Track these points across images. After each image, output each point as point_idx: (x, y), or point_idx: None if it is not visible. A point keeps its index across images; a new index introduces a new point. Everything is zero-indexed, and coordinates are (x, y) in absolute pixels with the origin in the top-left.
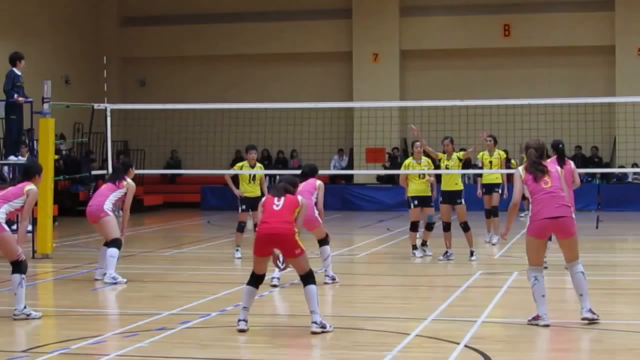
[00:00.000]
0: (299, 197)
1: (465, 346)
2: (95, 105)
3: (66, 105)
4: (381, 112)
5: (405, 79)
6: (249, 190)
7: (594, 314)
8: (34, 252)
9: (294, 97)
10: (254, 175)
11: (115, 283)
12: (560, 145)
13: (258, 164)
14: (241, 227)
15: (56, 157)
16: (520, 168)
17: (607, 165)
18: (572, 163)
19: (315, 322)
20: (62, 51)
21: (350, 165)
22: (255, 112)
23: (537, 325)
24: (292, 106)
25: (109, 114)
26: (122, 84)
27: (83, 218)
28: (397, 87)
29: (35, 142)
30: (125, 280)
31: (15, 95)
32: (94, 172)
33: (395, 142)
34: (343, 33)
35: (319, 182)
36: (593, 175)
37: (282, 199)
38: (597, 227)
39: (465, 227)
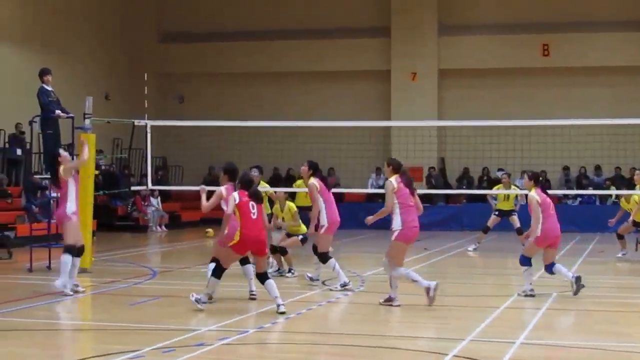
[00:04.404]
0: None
1: None
2: (136, 122)
3: (107, 121)
4: (419, 131)
5: (443, 98)
6: None
7: None
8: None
9: (331, 115)
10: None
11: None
12: (541, 178)
13: (262, 183)
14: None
15: (96, 172)
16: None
17: None
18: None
19: (281, 305)
20: (103, 67)
21: None
22: (293, 129)
23: (390, 305)
24: (330, 124)
25: (149, 130)
26: (161, 100)
27: (121, 233)
28: (435, 106)
29: (75, 157)
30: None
31: (57, 111)
32: (133, 188)
33: (433, 162)
34: (381, 51)
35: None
36: None
37: (256, 207)
38: (636, 250)
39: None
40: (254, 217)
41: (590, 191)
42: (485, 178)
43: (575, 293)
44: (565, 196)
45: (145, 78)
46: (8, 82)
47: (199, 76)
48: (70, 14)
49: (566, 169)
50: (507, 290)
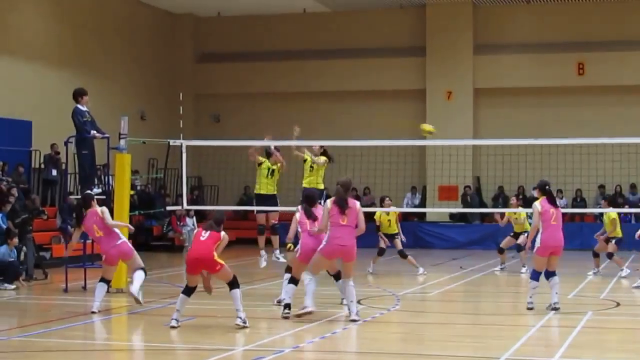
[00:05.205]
0: (222, 233)
1: None
2: (171, 142)
3: (142, 141)
4: (455, 149)
5: (478, 117)
6: (264, 186)
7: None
8: (108, 286)
9: (367, 134)
10: (273, 170)
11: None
12: (547, 187)
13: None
14: (260, 230)
15: (132, 192)
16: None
17: None
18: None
19: (240, 318)
20: (138, 87)
21: (422, 203)
22: (328, 149)
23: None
24: (366, 143)
25: (184, 150)
26: (196, 120)
27: (157, 253)
28: (470, 125)
29: (110, 177)
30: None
31: (93, 132)
32: (169, 208)
33: (469, 180)
34: (417, 71)
35: (222, 233)
36: None
37: (209, 232)
38: None
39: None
40: (202, 239)
41: (626, 209)
42: (520, 197)
43: (549, 308)
44: (601, 214)
45: (180, 98)
46: (44, 103)
47: (234, 96)
48: (106, 34)
49: (602, 187)
50: (543, 309)
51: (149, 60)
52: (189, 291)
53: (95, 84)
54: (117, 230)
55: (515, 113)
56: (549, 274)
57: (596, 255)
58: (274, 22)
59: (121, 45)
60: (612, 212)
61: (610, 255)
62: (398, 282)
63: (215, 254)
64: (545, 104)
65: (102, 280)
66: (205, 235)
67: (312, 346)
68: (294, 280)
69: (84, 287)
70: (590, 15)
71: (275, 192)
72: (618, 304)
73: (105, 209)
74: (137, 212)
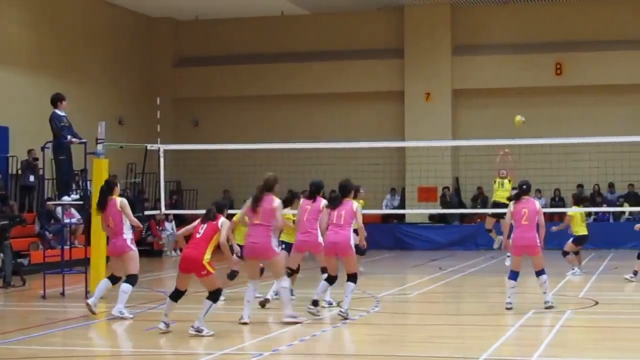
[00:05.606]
0: (220, 221)
1: None
2: (149, 146)
3: (120, 146)
4: (433, 150)
5: (457, 118)
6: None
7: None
8: (87, 292)
9: (346, 136)
10: None
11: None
12: (524, 186)
13: None
14: (232, 275)
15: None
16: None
17: None
18: (537, 203)
19: (193, 327)
20: (116, 92)
21: (402, 204)
22: (308, 151)
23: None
24: (345, 145)
25: (162, 154)
26: (175, 124)
27: None
28: (449, 126)
29: (88, 182)
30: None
31: (69, 137)
32: (147, 212)
33: (448, 182)
34: (395, 72)
35: (221, 220)
36: None
37: (205, 226)
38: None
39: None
40: (198, 236)
41: (604, 208)
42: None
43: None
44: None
45: (158, 102)
46: (21, 108)
47: (213, 100)
48: (84, 39)
49: (580, 186)
50: (522, 308)
51: (127, 64)
52: (176, 296)
53: (73, 88)
54: (125, 227)
55: (494, 114)
56: (537, 274)
57: (566, 254)
58: (252, 25)
59: (99, 50)
60: (575, 207)
61: (564, 254)
62: (378, 283)
63: (206, 257)
64: (524, 104)
65: (110, 276)
66: (201, 230)
67: (292, 349)
68: (330, 279)
69: (62, 294)
70: (568, 16)
71: None
72: (597, 303)
73: (124, 201)
74: None
